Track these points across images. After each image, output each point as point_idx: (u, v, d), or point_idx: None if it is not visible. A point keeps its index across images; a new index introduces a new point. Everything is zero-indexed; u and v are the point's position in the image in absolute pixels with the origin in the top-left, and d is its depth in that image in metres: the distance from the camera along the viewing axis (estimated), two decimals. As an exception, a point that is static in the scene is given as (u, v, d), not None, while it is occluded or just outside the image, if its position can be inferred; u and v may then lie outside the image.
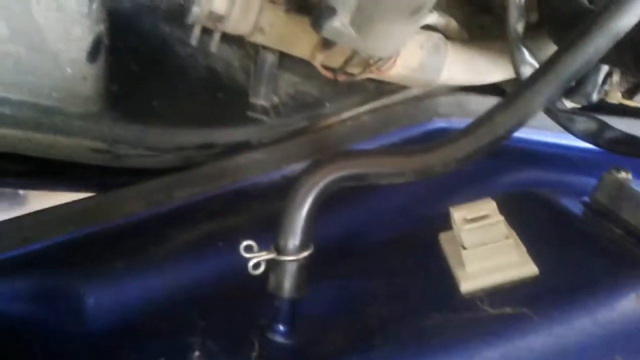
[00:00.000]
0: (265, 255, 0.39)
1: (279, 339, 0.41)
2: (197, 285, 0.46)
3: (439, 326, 0.39)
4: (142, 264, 0.50)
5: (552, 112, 0.54)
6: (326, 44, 0.56)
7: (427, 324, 0.39)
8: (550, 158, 0.62)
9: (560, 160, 0.62)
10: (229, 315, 0.44)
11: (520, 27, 0.55)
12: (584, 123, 0.52)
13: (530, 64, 0.55)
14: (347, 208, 0.56)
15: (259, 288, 0.44)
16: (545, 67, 0.39)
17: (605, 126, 0.52)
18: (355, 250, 0.51)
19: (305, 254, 0.40)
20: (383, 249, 0.48)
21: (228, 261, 0.47)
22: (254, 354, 0.40)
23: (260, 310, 0.43)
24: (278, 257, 0.40)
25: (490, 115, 0.40)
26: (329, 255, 0.50)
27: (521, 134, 0.63)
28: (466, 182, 0.58)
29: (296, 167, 0.60)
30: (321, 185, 0.39)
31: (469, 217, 0.41)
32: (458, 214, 0.41)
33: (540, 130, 0.64)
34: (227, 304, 0.46)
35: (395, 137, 0.63)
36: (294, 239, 0.40)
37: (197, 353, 0.40)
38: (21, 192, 1.42)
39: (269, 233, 0.41)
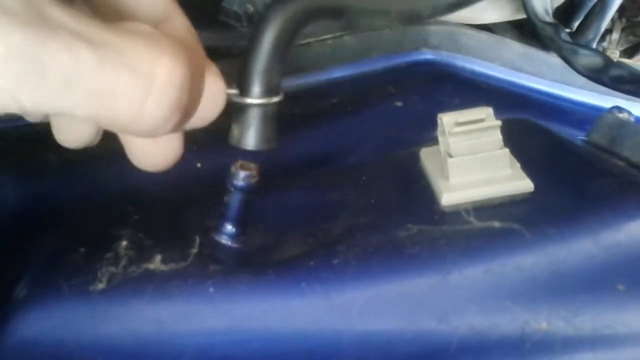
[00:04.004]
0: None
1: (225, 240, 0.35)
2: (137, 178, 0.37)
3: (413, 236, 0.33)
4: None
5: (556, 43, 0.49)
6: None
7: (400, 234, 0.33)
8: (542, 106, 0.58)
9: (552, 109, 0.58)
10: (170, 214, 0.37)
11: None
12: (588, 57, 0.48)
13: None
14: (328, 129, 0.50)
15: (209, 191, 0.38)
16: None
17: (610, 62, 0.47)
18: (329, 169, 0.45)
19: (274, 99, 0.33)
20: (359, 167, 0.43)
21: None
22: (193, 250, 0.33)
23: (208, 213, 0.37)
24: (241, 99, 0.32)
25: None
26: (298, 170, 0.45)
27: (515, 78, 0.59)
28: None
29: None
30: (292, 16, 0.32)
31: (461, 120, 0.35)
32: (448, 118, 0.35)
33: (535, 77, 0.59)
34: (171, 203, 0.39)
35: (378, 65, 0.57)
36: (259, 79, 0.32)
37: (124, 243, 0.33)
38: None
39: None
